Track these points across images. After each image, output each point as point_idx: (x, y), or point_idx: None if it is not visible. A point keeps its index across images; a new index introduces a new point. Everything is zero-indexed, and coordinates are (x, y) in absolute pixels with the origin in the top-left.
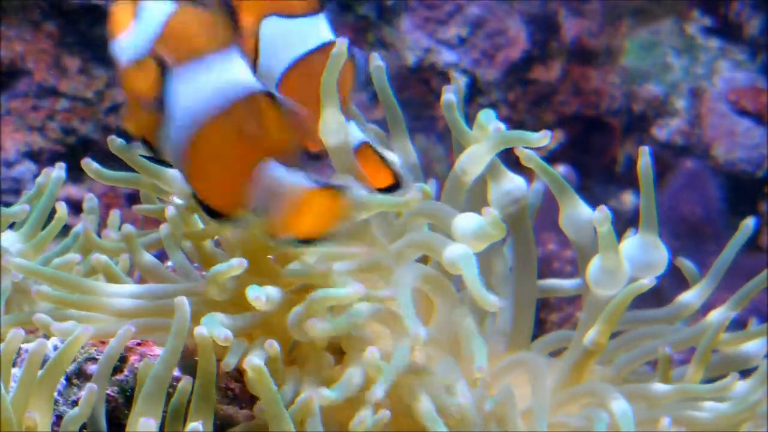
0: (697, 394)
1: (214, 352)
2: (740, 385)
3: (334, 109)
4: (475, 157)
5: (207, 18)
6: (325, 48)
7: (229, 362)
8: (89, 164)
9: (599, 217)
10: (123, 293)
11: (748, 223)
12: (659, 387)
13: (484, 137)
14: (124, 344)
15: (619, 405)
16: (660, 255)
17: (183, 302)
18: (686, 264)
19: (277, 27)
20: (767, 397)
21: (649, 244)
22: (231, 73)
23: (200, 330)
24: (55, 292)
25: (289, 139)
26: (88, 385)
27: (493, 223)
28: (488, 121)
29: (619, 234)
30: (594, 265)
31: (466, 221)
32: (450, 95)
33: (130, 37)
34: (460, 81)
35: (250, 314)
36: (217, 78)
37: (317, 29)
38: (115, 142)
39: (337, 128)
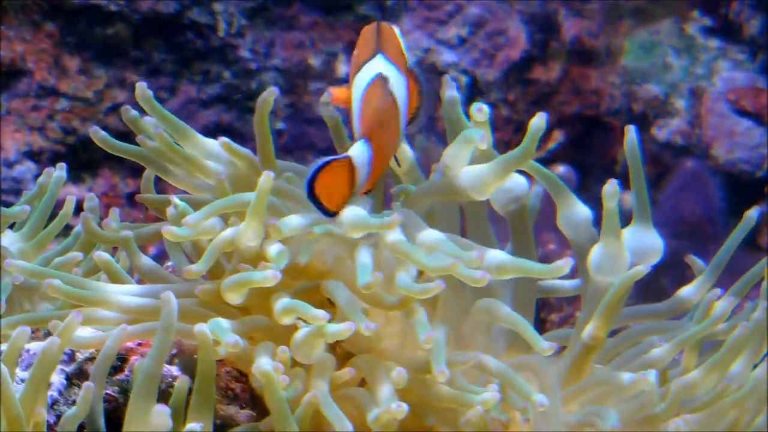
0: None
1: (213, 352)
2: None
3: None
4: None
5: None
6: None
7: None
8: (96, 132)
9: (609, 190)
10: (128, 292)
11: (751, 214)
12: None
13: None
14: (120, 343)
15: (629, 375)
16: (655, 242)
17: (169, 297)
18: (697, 262)
19: (358, 79)
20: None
21: (643, 231)
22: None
23: (200, 328)
24: (66, 286)
25: None
26: (85, 384)
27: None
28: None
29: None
30: (595, 252)
31: (470, 171)
32: (453, 92)
33: None
34: (461, 80)
35: (252, 318)
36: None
37: (373, 67)
38: (129, 112)
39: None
